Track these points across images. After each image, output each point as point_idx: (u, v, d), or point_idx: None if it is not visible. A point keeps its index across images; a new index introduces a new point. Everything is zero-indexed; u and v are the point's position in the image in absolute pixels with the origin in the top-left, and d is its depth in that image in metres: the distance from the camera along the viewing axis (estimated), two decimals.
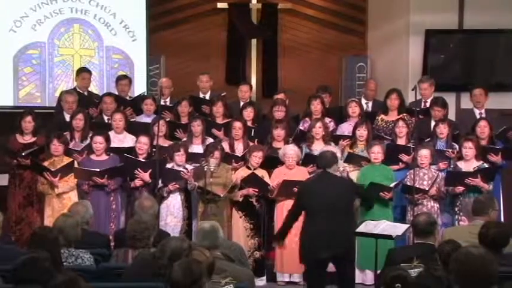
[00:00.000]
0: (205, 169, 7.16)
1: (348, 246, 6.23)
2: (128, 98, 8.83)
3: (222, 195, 7.29)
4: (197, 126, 7.84)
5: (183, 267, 3.70)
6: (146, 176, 7.27)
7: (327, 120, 8.19)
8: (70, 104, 8.22)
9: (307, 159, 7.66)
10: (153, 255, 4.56)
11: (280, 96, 8.77)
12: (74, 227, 5.14)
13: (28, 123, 7.74)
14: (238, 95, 8.89)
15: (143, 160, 7.39)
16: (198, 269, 3.71)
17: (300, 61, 10.82)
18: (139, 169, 7.28)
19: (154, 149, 7.41)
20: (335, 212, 6.12)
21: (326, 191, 6.19)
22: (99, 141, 7.43)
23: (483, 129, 7.72)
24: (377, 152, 7.43)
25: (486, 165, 7.39)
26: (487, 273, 3.48)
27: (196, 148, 7.76)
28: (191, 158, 7.55)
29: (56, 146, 7.40)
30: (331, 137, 7.92)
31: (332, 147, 7.55)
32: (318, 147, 7.64)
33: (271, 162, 7.64)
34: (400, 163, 7.65)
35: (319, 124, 7.83)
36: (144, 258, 4.66)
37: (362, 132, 7.79)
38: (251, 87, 9.26)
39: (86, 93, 8.85)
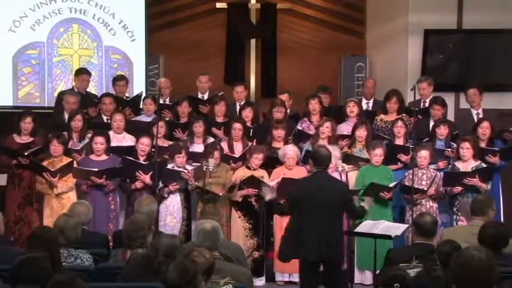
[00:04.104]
0: (205, 169, 7.16)
1: (335, 250, 6.00)
2: (125, 97, 8.83)
3: (221, 194, 7.29)
4: (199, 127, 7.86)
5: (177, 267, 3.70)
6: (147, 178, 7.25)
7: None
8: (71, 105, 8.19)
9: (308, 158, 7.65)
10: (146, 254, 4.56)
11: (284, 97, 8.68)
12: (74, 227, 5.15)
13: (27, 124, 7.71)
14: (234, 95, 8.84)
15: (144, 163, 7.37)
16: (192, 269, 3.71)
17: (299, 61, 10.81)
18: (140, 171, 7.27)
19: (153, 149, 7.41)
20: (324, 214, 5.95)
21: (318, 191, 6.01)
22: (100, 142, 7.40)
23: (485, 130, 7.66)
24: (379, 155, 7.40)
25: (484, 165, 7.38)
26: (489, 278, 3.45)
27: (198, 147, 7.77)
28: (192, 157, 7.55)
29: (56, 146, 7.37)
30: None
31: (332, 149, 7.52)
32: None
33: (271, 162, 7.64)
34: (399, 163, 7.65)
35: (327, 124, 7.79)
36: (136, 259, 4.67)
37: (361, 133, 7.76)
38: (246, 87, 9.18)
39: (84, 93, 8.84)
